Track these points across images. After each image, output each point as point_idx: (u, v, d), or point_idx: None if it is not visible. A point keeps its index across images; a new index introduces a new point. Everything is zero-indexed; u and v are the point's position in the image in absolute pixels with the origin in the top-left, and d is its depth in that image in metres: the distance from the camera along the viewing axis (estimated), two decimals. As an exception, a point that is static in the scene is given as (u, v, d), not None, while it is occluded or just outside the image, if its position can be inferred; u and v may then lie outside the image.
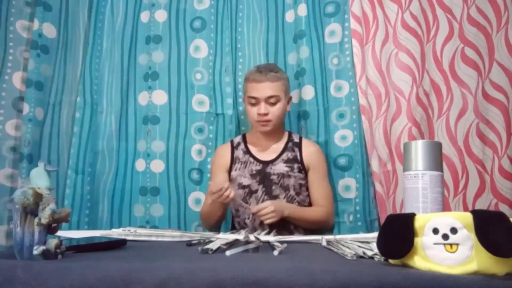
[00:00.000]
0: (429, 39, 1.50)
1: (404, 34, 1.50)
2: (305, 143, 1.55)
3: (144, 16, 1.67)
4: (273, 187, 1.47)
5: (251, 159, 1.52)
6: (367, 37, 1.58)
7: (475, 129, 1.42)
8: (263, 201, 1.46)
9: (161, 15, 1.66)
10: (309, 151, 1.52)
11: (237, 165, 1.52)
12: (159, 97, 1.65)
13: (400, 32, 1.51)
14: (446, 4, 1.49)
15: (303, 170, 1.50)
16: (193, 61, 1.66)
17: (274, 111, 1.45)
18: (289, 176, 1.48)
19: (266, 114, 1.44)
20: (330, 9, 1.66)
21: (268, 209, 1.31)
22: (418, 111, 1.47)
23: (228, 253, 0.70)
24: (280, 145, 1.53)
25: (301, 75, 1.65)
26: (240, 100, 1.68)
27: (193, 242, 0.86)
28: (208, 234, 1.04)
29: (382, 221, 1.51)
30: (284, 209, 1.37)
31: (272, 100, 1.44)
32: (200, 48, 1.66)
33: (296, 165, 1.49)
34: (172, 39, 1.66)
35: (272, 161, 1.50)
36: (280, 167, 1.49)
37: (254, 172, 1.49)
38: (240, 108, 1.70)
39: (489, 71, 1.43)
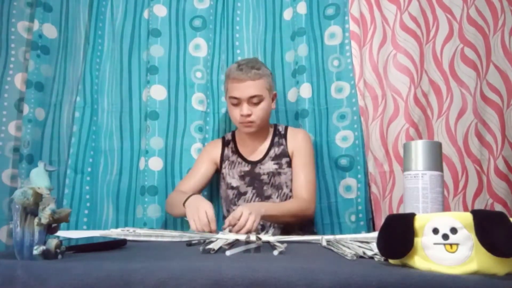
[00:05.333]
0: (428, 39, 1.51)
1: (402, 36, 1.50)
2: (290, 131, 1.51)
3: (144, 13, 1.66)
4: (265, 188, 1.43)
5: (240, 159, 1.48)
6: (364, 39, 1.58)
7: (474, 130, 1.43)
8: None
9: (160, 10, 1.63)
10: (294, 137, 1.48)
11: (226, 164, 1.49)
12: (158, 92, 1.59)
13: (399, 34, 1.51)
14: (446, 4, 1.49)
15: (291, 162, 1.46)
16: (192, 59, 1.64)
17: (257, 112, 1.39)
18: (279, 173, 1.43)
19: (249, 115, 1.38)
20: (330, 11, 1.66)
21: (244, 215, 1.12)
22: (416, 111, 1.47)
23: (228, 253, 0.70)
24: (267, 142, 1.49)
25: (300, 73, 1.63)
26: None
27: (193, 242, 0.87)
28: (208, 234, 1.04)
29: (376, 221, 1.54)
30: (260, 207, 1.23)
31: (254, 100, 1.38)
32: (200, 47, 1.65)
33: (284, 160, 1.45)
34: (172, 35, 1.64)
35: (260, 161, 1.46)
36: (269, 165, 1.45)
37: (242, 173, 1.46)
38: None
39: (486, 72, 1.44)
